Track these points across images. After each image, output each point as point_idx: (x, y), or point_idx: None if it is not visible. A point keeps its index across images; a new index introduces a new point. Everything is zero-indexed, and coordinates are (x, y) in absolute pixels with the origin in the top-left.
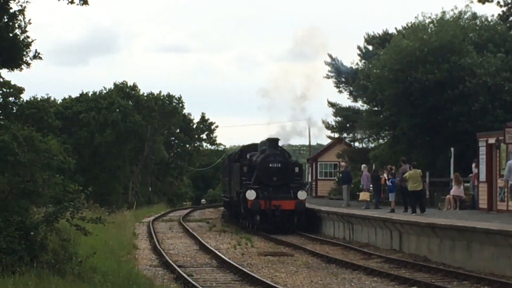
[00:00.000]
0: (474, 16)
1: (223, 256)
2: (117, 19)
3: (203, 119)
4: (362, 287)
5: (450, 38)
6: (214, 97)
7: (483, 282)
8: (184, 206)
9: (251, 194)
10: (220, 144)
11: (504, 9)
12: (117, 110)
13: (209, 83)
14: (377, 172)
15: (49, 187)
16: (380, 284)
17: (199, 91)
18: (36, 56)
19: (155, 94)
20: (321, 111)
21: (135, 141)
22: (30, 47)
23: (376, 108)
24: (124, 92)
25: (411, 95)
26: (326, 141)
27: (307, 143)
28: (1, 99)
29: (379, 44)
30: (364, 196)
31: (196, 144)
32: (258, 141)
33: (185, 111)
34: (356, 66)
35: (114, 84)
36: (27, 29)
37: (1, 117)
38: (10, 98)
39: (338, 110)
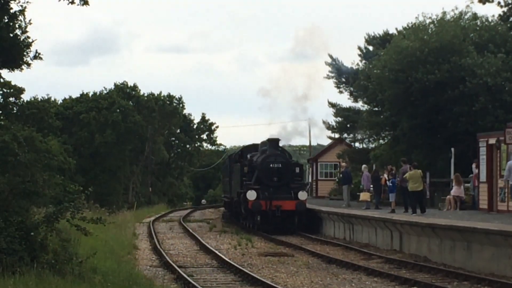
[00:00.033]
0: (475, 16)
1: (223, 257)
2: (117, 20)
3: (203, 119)
4: (362, 287)
5: (451, 38)
6: (214, 98)
7: (483, 282)
8: (184, 206)
9: (251, 195)
10: (220, 144)
11: (505, 9)
12: (118, 110)
13: (209, 84)
14: (377, 173)
15: (50, 188)
16: (381, 284)
17: (200, 91)
18: (37, 56)
19: (156, 95)
20: (322, 111)
21: (135, 141)
22: (30, 47)
23: (376, 109)
24: (124, 93)
25: (412, 95)
26: (326, 142)
27: (308, 144)
28: (2, 99)
29: (379, 44)
30: (364, 196)
31: (196, 145)
32: (258, 141)
33: (186, 112)
34: (357, 67)
35: (115, 84)
36: (27, 29)
37: (2, 117)
38: (11, 99)
39: (339, 110)
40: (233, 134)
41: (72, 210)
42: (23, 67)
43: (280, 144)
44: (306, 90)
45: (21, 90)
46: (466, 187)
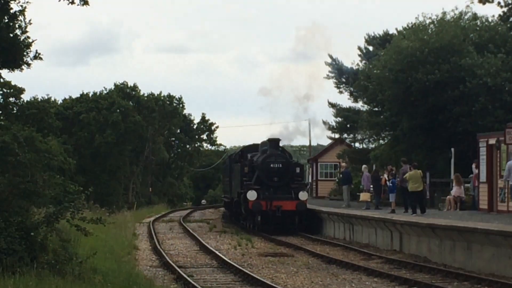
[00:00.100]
0: (475, 16)
1: (223, 257)
2: (117, 20)
3: (203, 119)
4: (362, 287)
5: (451, 38)
6: (214, 98)
7: (483, 282)
8: (184, 206)
9: (252, 195)
10: (220, 144)
11: (505, 9)
12: (118, 110)
13: (209, 84)
14: (377, 173)
15: (50, 188)
16: (381, 284)
17: (200, 91)
18: (37, 56)
19: (156, 95)
20: (324, 112)
21: (135, 141)
22: (30, 47)
23: (376, 109)
24: (124, 93)
25: (412, 95)
26: (326, 142)
27: (308, 144)
28: (2, 99)
29: (379, 44)
30: (364, 196)
31: (196, 145)
32: (258, 141)
33: (186, 112)
34: (357, 67)
35: (115, 84)
36: (27, 29)
37: (2, 117)
38: (11, 99)
39: (339, 110)
40: (233, 134)
41: (72, 210)
42: (23, 67)
43: (281, 144)
44: (308, 90)
45: (21, 90)
46: (466, 187)
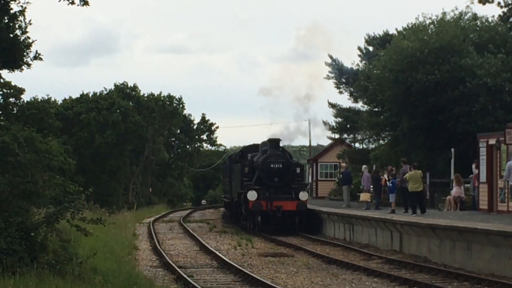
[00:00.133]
0: (475, 17)
1: (223, 257)
2: (117, 20)
3: (203, 119)
4: (363, 287)
5: (451, 38)
6: (214, 98)
7: (483, 283)
8: (184, 207)
9: (252, 195)
10: (220, 145)
11: (505, 10)
12: (118, 110)
13: (209, 84)
14: (377, 173)
15: (50, 188)
16: (381, 285)
17: (200, 91)
18: (37, 56)
19: (156, 95)
20: (324, 112)
21: (135, 141)
22: (30, 47)
23: (376, 109)
24: (124, 93)
25: (412, 95)
26: (327, 142)
27: (308, 144)
28: (2, 99)
29: (379, 45)
30: (364, 197)
31: (196, 145)
32: (259, 141)
33: (186, 112)
34: (357, 67)
35: (115, 84)
36: (27, 29)
37: (2, 117)
38: (11, 99)
39: (339, 111)
40: (233, 134)
41: (72, 211)
42: (23, 67)
43: (281, 144)
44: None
45: (21, 91)
46: (466, 187)
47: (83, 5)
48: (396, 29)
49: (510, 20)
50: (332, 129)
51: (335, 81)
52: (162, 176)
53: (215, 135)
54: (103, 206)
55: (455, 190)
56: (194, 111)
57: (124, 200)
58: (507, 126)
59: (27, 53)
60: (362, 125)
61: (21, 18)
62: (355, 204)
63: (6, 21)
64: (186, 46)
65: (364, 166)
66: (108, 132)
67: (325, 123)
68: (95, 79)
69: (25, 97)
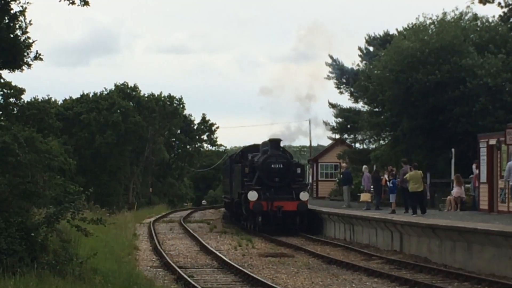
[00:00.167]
0: (475, 17)
1: (223, 257)
2: (118, 20)
3: (203, 120)
4: None
5: (451, 39)
6: (214, 98)
7: (483, 283)
8: (184, 207)
9: (253, 195)
10: (221, 145)
11: (505, 10)
12: (118, 111)
13: (209, 84)
14: (377, 173)
15: (50, 188)
16: (381, 285)
17: (200, 92)
18: (37, 57)
19: (156, 95)
20: (324, 112)
21: (135, 142)
22: (31, 48)
23: (377, 109)
24: (124, 93)
25: (412, 96)
26: (327, 142)
27: (308, 144)
28: (2, 100)
29: (380, 45)
30: (364, 197)
31: (197, 145)
32: (259, 142)
33: (186, 112)
34: (357, 67)
35: (115, 85)
36: (28, 30)
37: (2, 118)
38: (11, 99)
39: (339, 111)
40: (233, 134)
41: (73, 211)
42: (23, 67)
43: (282, 144)
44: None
45: (21, 91)
46: (467, 187)
47: (83, 5)
48: (397, 29)
49: (511, 20)
50: (332, 129)
51: (335, 81)
52: (162, 176)
53: (215, 135)
54: (103, 206)
55: (456, 190)
56: (194, 111)
57: (125, 200)
58: (508, 126)
59: (27, 53)
60: (363, 125)
61: (21, 18)
62: (355, 204)
63: (7, 21)
64: (187, 46)
65: (364, 166)
66: (108, 132)
67: (325, 123)
68: (95, 79)
69: (26, 97)
